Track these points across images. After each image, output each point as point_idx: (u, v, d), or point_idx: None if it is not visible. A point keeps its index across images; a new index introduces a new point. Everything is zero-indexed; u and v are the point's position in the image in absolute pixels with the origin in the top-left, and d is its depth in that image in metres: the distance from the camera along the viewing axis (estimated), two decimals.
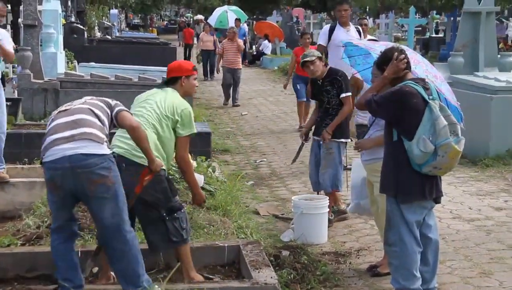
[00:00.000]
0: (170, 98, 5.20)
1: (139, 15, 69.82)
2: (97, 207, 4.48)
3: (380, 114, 5.02)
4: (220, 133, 13.09)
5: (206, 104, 17.09)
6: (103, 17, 33.35)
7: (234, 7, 27.76)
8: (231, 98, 16.90)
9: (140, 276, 4.54)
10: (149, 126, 5.05)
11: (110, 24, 33.93)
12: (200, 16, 50.33)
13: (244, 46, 23.90)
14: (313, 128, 7.49)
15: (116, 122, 4.74)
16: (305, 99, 12.60)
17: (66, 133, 4.49)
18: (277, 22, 32.29)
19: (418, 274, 4.84)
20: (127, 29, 55.00)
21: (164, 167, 5.05)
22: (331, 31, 9.03)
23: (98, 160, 4.41)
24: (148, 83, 12.72)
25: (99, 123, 4.61)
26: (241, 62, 17.61)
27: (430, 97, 4.75)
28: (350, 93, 7.21)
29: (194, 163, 7.57)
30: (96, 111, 4.67)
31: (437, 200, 4.95)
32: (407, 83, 4.80)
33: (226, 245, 5.59)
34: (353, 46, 6.14)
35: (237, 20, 24.75)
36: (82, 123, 4.54)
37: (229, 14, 27.05)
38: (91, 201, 4.49)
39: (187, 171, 5.37)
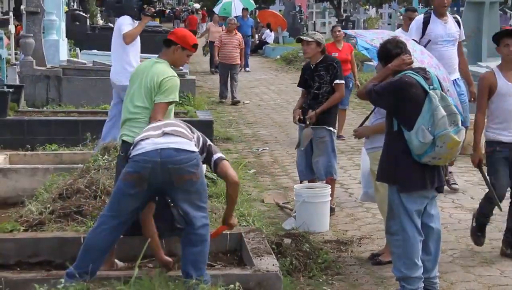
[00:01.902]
0: (152, 73, 5.19)
1: None
2: (181, 200, 4.55)
3: (380, 104, 5.05)
4: (223, 121, 13.10)
5: (209, 93, 17.08)
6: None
7: None
8: (229, 95, 15.53)
9: (205, 264, 4.62)
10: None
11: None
12: (197, 5, 50.24)
13: (251, 39, 23.08)
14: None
15: (214, 167, 4.80)
16: (347, 106, 11.36)
17: (157, 131, 4.60)
18: (280, 11, 32.20)
19: (420, 263, 4.86)
20: None
21: None
22: (426, 23, 7.54)
23: (189, 156, 4.49)
24: None
25: (188, 131, 4.72)
26: (239, 57, 15.66)
27: (431, 87, 4.76)
28: (343, 81, 7.22)
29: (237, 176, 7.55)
30: (186, 127, 4.78)
31: (439, 190, 4.96)
32: (407, 73, 4.81)
33: (228, 232, 5.59)
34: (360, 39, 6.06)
35: (245, 10, 22.80)
36: (172, 124, 4.72)
37: (235, 2, 25.05)
38: (175, 194, 4.57)
39: None
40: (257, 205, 7.45)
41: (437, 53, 6.94)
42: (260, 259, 5.04)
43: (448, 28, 7.50)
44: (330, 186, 6.98)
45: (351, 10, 36.78)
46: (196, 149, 4.59)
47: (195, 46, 5.35)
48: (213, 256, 5.45)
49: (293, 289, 5.14)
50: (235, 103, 15.22)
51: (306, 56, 7.24)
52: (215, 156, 4.77)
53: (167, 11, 56.36)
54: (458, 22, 7.68)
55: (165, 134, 4.56)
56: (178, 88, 5.26)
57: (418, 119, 4.68)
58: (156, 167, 4.43)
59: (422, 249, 4.90)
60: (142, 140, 4.57)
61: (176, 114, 10.61)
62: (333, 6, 36.96)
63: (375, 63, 6.33)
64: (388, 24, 30.33)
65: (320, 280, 5.38)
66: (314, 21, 33.31)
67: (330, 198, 6.92)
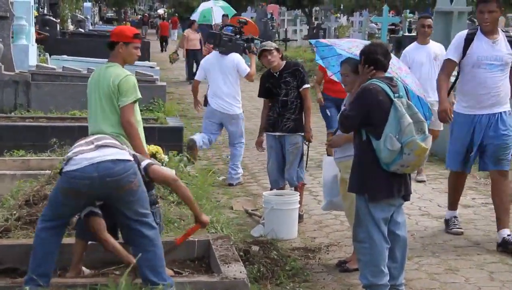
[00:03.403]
0: (107, 79, 5.20)
1: (113, 8, 69.38)
2: (123, 208, 4.54)
3: (354, 125, 4.93)
4: (193, 128, 13.06)
5: (179, 99, 17.03)
6: (76, 10, 33.10)
7: (222, 2, 24.88)
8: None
9: (164, 267, 4.61)
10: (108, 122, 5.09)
11: (83, 17, 33.69)
12: (161, 11, 50.13)
13: None
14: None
15: (146, 175, 4.74)
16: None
17: (90, 146, 4.57)
18: (251, 18, 32.25)
19: (386, 270, 4.90)
20: (100, 22, 54.62)
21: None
22: (469, 41, 6.21)
23: (126, 166, 4.49)
24: None
25: (118, 142, 4.73)
26: None
27: (396, 95, 4.81)
28: (309, 85, 7.29)
29: (165, 158, 7.58)
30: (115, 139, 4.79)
31: (406, 198, 5.01)
32: (372, 81, 4.86)
33: (196, 239, 5.59)
34: (324, 47, 6.11)
35: (225, 16, 21.47)
36: (103, 137, 4.70)
37: (215, 9, 24.11)
38: (116, 204, 4.56)
39: (131, 135, 5.32)
40: (226, 212, 7.45)
41: (479, 79, 6.18)
42: (228, 266, 5.04)
43: (498, 49, 6.15)
44: (298, 193, 7.02)
45: (322, 18, 37.00)
46: (131, 158, 4.59)
47: (136, 36, 5.35)
48: (180, 263, 5.45)
49: None
50: None
51: (272, 65, 7.24)
52: (143, 164, 4.76)
53: (139, 17, 56.15)
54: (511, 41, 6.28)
55: (98, 147, 4.54)
56: (137, 85, 5.29)
57: (385, 127, 4.73)
58: (94, 182, 4.42)
59: (388, 257, 4.94)
60: (75, 155, 4.52)
61: (146, 121, 10.63)
62: (304, 14, 37.20)
63: (329, 73, 6.39)
64: (359, 32, 30.55)
65: (288, 288, 5.40)
66: (286, 29, 33.44)
67: (298, 205, 6.95)
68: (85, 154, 4.48)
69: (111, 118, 5.25)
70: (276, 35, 30.53)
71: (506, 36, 6.26)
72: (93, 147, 4.55)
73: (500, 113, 6.25)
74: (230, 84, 8.99)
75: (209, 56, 9.45)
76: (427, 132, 4.83)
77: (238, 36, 9.20)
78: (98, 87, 5.25)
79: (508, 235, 6.13)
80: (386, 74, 5.16)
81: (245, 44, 9.09)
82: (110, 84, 5.16)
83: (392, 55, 5.81)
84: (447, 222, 6.79)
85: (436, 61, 8.53)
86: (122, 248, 4.79)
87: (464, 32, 6.36)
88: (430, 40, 8.83)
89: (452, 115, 6.35)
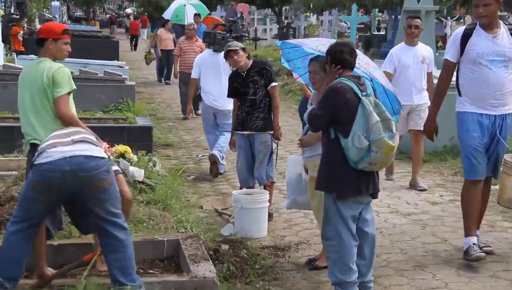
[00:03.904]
0: (40, 73, 5.15)
1: (82, 7, 68.84)
2: (94, 207, 4.50)
3: (323, 124, 4.93)
4: (163, 127, 13.05)
5: (149, 99, 16.97)
6: (44, 9, 32.79)
7: (195, 0, 23.63)
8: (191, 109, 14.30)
9: (134, 269, 4.58)
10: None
11: (51, 16, 33.38)
12: (129, 10, 49.86)
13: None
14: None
15: None
16: None
17: (66, 139, 4.52)
18: (221, 17, 32.25)
19: (355, 267, 4.92)
20: (69, 22, 54.14)
21: None
22: (466, 37, 5.76)
23: (99, 163, 4.45)
24: (90, 77, 12.61)
25: (95, 138, 4.70)
26: None
27: (364, 93, 4.83)
28: (277, 83, 7.32)
29: (134, 157, 7.54)
30: (93, 135, 4.76)
31: (374, 195, 5.04)
32: (340, 80, 4.88)
33: (165, 239, 5.59)
34: (289, 48, 6.12)
35: (197, 16, 20.48)
36: (81, 132, 4.67)
37: (187, 8, 22.90)
38: (87, 202, 4.51)
39: (71, 125, 5.17)
40: (196, 211, 7.45)
41: (481, 77, 5.70)
42: (197, 266, 5.04)
43: (499, 44, 5.69)
44: (268, 192, 7.04)
45: (292, 17, 37.10)
46: (105, 155, 4.57)
47: (65, 32, 5.31)
48: (150, 263, 5.44)
49: None
50: (199, 115, 13.79)
51: (239, 64, 7.25)
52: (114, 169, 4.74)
53: (108, 16, 55.81)
54: None
55: (74, 142, 4.51)
56: (71, 76, 5.25)
57: (353, 125, 4.75)
58: (65, 175, 4.37)
59: (357, 254, 4.96)
60: (48, 147, 4.48)
61: (115, 120, 10.59)
62: (274, 13, 37.25)
63: (295, 76, 6.39)
64: (329, 31, 30.72)
65: (257, 286, 5.40)
66: (256, 28, 33.46)
67: (268, 204, 6.96)
68: (58, 147, 4.44)
69: (43, 115, 5.18)
70: (247, 35, 30.50)
71: (510, 30, 5.78)
72: (69, 140, 4.51)
73: (505, 115, 5.82)
74: (223, 81, 8.96)
75: (203, 54, 9.86)
76: (394, 130, 4.86)
77: (228, 34, 9.75)
78: (30, 84, 5.18)
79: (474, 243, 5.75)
80: (355, 69, 5.20)
81: (236, 41, 9.34)
82: (43, 77, 5.10)
83: (358, 51, 5.86)
84: (466, 252, 5.79)
85: (423, 64, 8.31)
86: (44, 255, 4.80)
87: (462, 29, 5.92)
88: (419, 42, 8.49)
89: (435, 137, 6.08)
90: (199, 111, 13.66)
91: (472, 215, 5.82)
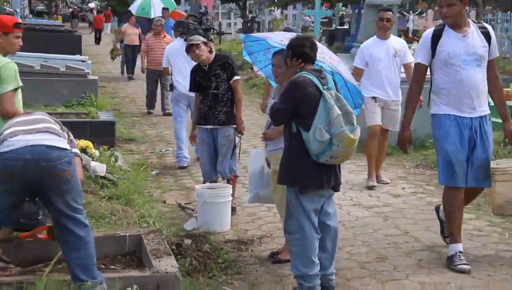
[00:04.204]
0: None
1: (44, 1, 67.97)
2: (55, 198, 4.42)
3: (285, 118, 4.92)
4: (126, 122, 12.98)
5: (112, 93, 16.85)
6: (5, 3, 32.30)
7: None
8: (159, 105, 14.06)
9: (95, 265, 4.52)
10: None
11: (12, 10, 32.87)
12: (92, 5, 49.41)
13: None
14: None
15: None
16: None
17: (28, 127, 4.43)
18: (185, 11, 32.11)
19: (317, 261, 4.94)
20: (30, 16, 53.43)
21: None
22: (436, 38, 5.57)
23: (61, 154, 4.38)
24: (51, 71, 12.46)
25: (59, 127, 4.62)
26: None
27: (325, 87, 4.85)
28: (239, 77, 7.33)
29: (96, 152, 7.48)
30: (56, 123, 4.66)
31: (335, 189, 5.06)
32: (301, 74, 4.89)
33: (127, 234, 5.53)
34: (252, 42, 6.11)
35: (165, 10, 19.95)
36: (44, 120, 4.56)
37: (154, 1, 22.35)
38: (48, 193, 4.43)
39: None
40: (159, 206, 7.41)
41: (454, 78, 5.53)
42: (159, 261, 5.00)
43: (469, 43, 5.52)
44: (231, 186, 7.04)
45: (257, 11, 37.10)
46: (68, 147, 4.52)
47: (17, 26, 5.22)
48: (112, 259, 5.38)
49: (193, 289, 5.13)
50: (167, 115, 13.33)
51: (201, 58, 7.23)
52: (72, 151, 4.65)
53: (70, 10, 55.22)
54: (487, 34, 5.64)
55: (37, 131, 4.45)
56: (18, 72, 5.14)
57: (315, 119, 4.76)
58: (27, 164, 4.31)
59: (319, 247, 4.98)
60: (10, 136, 4.42)
61: (77, 115, 10.50)
62: (238, 7, 37.22)
63: (256, 69, 6.39)
64: (293, 25, 30.75)
65: (220, 280, 5.39)
66: (220, 22, 33.40)
67: (231, 198, 6.97)
68: (20, 136, 4.38)
69: None
70: (214, 27, 30.40)
71: (479, 28, 5.64)
72: (31, 128, 4.45)
73: (481, 117, 5.58)
74: (185, 67, 9.13)
75: (172, 45, 10.11)
76: (355, 123, 4.88)
77: (198, 25, 10.14)
78: None
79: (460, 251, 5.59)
80: (321, 64, 5.22)
81: (205, 33, 9.72)
82: None
83: (322, 45, 5.88)
84: (451, 258, 5.63)
85: (396, 58, 8.11)
86: None
87: (431, 30, 5.73)
88: (391, 35, 8.29)
89: (410, 146, 5.80)
90: (168, 110, 13.68)
91: (455, 222, 5.64)
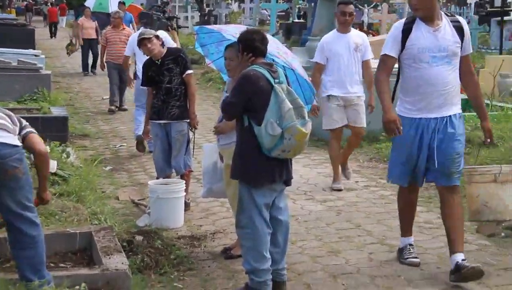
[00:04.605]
0: None
1: None
2: (5, 196, 4.36)
3: (237, 111, 4.91)
4: (80, 117, 12.84)
5: (67, 88, 16.64)
6: None
7: None
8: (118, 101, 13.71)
9: (44, 264, 4.46)
10: None
11: None
12: None
13: None
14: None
15: (22, 141, 4.53)
16: None
17: None
18: (141, 4, 31.87)
19: (268, 255, 4.94)
20: None
21: None
22: (407, 32, 5.24)
23: (11, 150, 4.31)
24: (2, 66, 12.26)
25: (9, 121, 4.50)
26: None
27: (276, 80, 4.85)
28: (192, 71, 7.29)
29: (47, 148, 7.36)
30: (7, 117, 4.54)
31: (287, 183, 5.07)
32: (253, 67, 4.88)
33: (77, 231, 5.48)
34: (205, 34, 6.08)
35: (121, 4, 19.44)
36: None
37: None
38: (0, 190, 4.35)
39: None
40: (112, 202, 7.35)
41: (422, 75, 5.20)
42: (109, 258, 4.97)
43: (441, 37, 5.18)
44: (184, 182, 7.00)
45: (213, 4, 36.94)
46: (19, 144, 4.45)
47: None
48: (62, 256, 5.33)
49: (144, 286, 5.10)
50: (122, 110, 13.55)
51: (153, 52, 7.16)
52: (25, 131, 4.58)
53: (25, 3, 54.34)
54: (460, 28, 5.28)
55: None
56: None
57: (266, 112, 4.77)
58: None
59: (270, 242, 4.98)
60: None
61: (29, 111, 10.33)
62: (195, 1, 37.01)
63: (208, 61, 6.36)
64: (250, 19, 30.74)
65: (172, 277, 5.37)
66: (177, 15, 33.18)
67: (185, 194, 6.93)
68: None
69: None
70: (178, 16, 30.18)
71: (452, 22, 5.26)
72: None
73: (450, 116, 5.24)
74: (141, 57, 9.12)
75: (135, 35, 9.94)
76: (306, 117, 4.90)
77: (162, 15, 10.71)
78: None
79: (463, 260, 5.18)
80: (275, 59, 5.21)
81: (168, 22, 10.29)
82: None
83: (275, 39, 5.87)
84: (401, 251, 5.66)
85: (357, 52, 7.79)
86: None
87: (402, 22, 5.35)
88: (351, 29, 7.98)
89: (401, 127, 5.21)
90: (125, 106, 13.64)
91: (405, 218, 5.64)
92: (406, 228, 5.67)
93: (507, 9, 22.79)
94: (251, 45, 4.98)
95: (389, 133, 5.27)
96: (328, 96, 7.80)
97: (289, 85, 5.03)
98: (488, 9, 25.02)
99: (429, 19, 5.19)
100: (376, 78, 5.41)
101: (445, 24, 5.21)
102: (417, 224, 6.40)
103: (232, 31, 5.67)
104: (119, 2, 19.59)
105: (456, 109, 5.28)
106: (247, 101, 4.81)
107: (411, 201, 5.61)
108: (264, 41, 5.04)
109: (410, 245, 5.65)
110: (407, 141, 5.28)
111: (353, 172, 8.56)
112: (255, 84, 4.80)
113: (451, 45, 5.19)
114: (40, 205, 4.90)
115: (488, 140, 5.40)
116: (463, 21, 5.38)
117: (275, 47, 5.41)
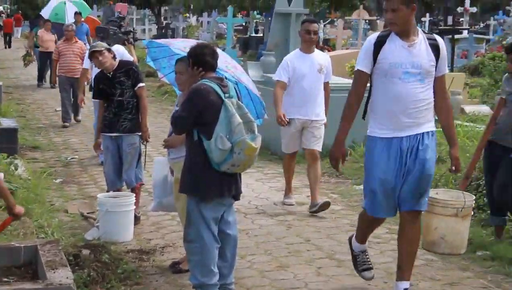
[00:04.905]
0: None
1: None
2: None
3: (188, 125, 4.89)
4: (31, 129, 12.66)
5: (19, 99, 16.41)
6: None
7: None
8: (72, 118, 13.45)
9: None
10: None
11: None
12: (0, 8, 48.25)
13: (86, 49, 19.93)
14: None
15: None
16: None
17: None
18: (98, 16, 31.67)
19: (216, 270, 4.93)
20: None
21: None
22: (379, 45, 4.96)
23: None
24: None
25: None
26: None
27: (227, 95, 4.85)
28: (144, 84, 7.25)
29: None
30: None
31: (236, 197, 5.07)
32: (203, 81, 4.88)
33: (22, 245, 5.37)
34: (155, 48, 6.06)
35: (78, 15, 18.98)
36: None
37: (68, 6, 20.87)
38: None
39: None
40: (60, 215, 7.25)
41: (393, 92, 4.92)
42: (54, 272, 4.86)
43: (415, 54, 4.91)
44: (135, 195, 6.94)
45: (171, 17, 36.96)
46: None
47: None
48: (6, 271, 5.22)
49: None
50: (77, 121, 13.45)
51: (105, 65, 7.10)
52: None
53: None
54: (436, 47, 4.99)
55: None
56: None
57: (216, 127, 4.76)
58: None
59: (218, 256, 4.97)
60: None
61: None
62: (153, 13, 36.97)
63: (160, 75, 6.35)
64: (208, 32, 30.79)
65: None
66: (134, 28, 33.06)
67: (134, 207, 6.87)
68: None
69: None
70: (134, 30, 30.06)
71: (428, 39, 5.00)
72: None
73: (422, 134, 4.96)
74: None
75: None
76: (256, 131, 4.91)
77: (118, 29, 10.76)
78: None
79: (406, 289, 5.09)
80: (223, 73, 5.21)
81: (125, 36, 10.30)
82: None
83: (225, 53, 5.87)
84: (355, 258, 5.48)
85: (320, 74, 7.55)
86: None
87: (375, 35, 5.07)
88: (315, 49, 7.72)
89: (343, 164, 5.13)
90: (79, 117, 13.44)
91: (365, 235, 5.41)
92: (363, 237, 5.46)
93: (458, 27, 23.28)
94: (201, 60, 4.98)
95: (333, 164, 5.09)
96: (289, 119, 7.54)
97: (239, 100, 5.03)
98: (441, 28, 25.46)
99: (405, 34, 4.92)
100: (346, 100, 5.09)
101: (421, 40, 4.96)
102: None
103: (181, 45, 5.66)
104: (76, 13, 19.34)
105: (429, 126, 5.00)
106: (197, 115, 4.79)
107: (374, 226, 5.41)
108: (215, 56, 5.04)
109: (363, 251, 5.46)
110: (382, 163, 4.93)
111: (304, 186, 8.56)
112: (205, 98, 4.79)
113: (425, 63, 4.93)
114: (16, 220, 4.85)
115: (454, 168, 5.14)
116: (440, 40, 5.08)
117: (224, 61, 5.41)
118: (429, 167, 4.95)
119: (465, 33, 24.99)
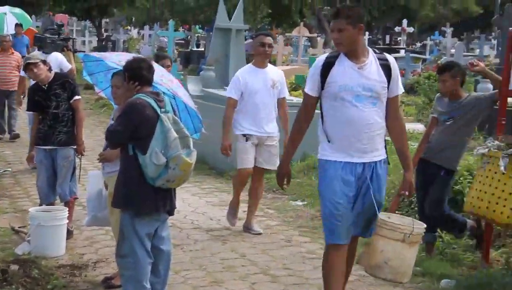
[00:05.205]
0: None
1: None
2: None
3: (121, 140, 4.84)
4: None
5: None
6: None
7: (18, 9, 21.50)
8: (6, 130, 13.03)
9: None
10: None
11: None
12: None
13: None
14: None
15: None
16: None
17: None
18: (37, 27, 31.17)
19: (149, 286, 4.89)
20: None
21: None
22: (328, 66, 4.74)
23: None
24: None
25: None
26: (17, 81, 11.73)
27: (163, 110, 4.83)
28: (80, 97, 7.16)
29: None
30: None
31: (170, 213, 5.04)
32: (139, 95, 4.85)
33: None
34: (92, 62, 5.99)
35: (18, 26, 18.71)
36: None
37: (8, 17, 20.35)
38: None
39: None
40: None
41: (344, 116, 4.70)
42: None
43: (365, 76, 4.68)
44: (67, 209, 6.83)
45: (112, 29, 36.67)
46: None
47: None
48: None
49: None
50: (14, 137, 12.82)
51: (40, 78, 6.99)
52: None
53: None
54: (387, 67, 4.76)
55: None
56: None
57: (152, 142, 4.73)
58: None
59: (151, 271, 4.94)
60: None
61: None
62: (94, 25, 36.61)
63: (97, 90, 6.28)
64: (149, 45, 30.61)
65: None
66: (74, 39, 32.65)
67: (67, 221, 6.75)
68: None
69: None
70: (73, 37, 29.65)
71: (379, 59, 4.76)
72: None
73: (376, 163, 4.78)
74: None
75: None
76: (192, 146, 4.90)
77: (57, 36, 11.09)
78: None
79: None
80: (159, 86, 5.18)
81: (65, 43, 10.62)
82: None
83: (161, 67, 5.84)
84: None
85: (274, 89, 7.25)
86: None
87: (323, 57, 4.84)
88: (268, 64, 7.41)
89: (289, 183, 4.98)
90: (15, 132, 13.03)
91: (334, 287, 4.79)
92: None
93: (394, 46, 23.72)
94: (137, 74, 4.95)
95: (279, 182, 4.95)
96: (246, 135, 7.27)
97: (176, 114, 5.02)
98: (379, 46, 25.94)
99: (353, 54, 4.68)
100: (295, 121, 4.90)
101: (371, 61, 4.71)
102: (300, 254, 6.50)
103: (116, 59, 5.62)
104: (16, 25, 18.91)
105: (381, 154, 4.81)
106: (133, 130, 4.76)
107: (339, 263, 4.81)
108: (151, 70, 5.02)
109: None
110: (338, 186, 4.69)
111: (241, 201, 8.51)
112: (141, 113, 4.76)
113: (376, 85, 4.68)
114: None
115: (407, 193, 4.93)
116: (391, 59, 4.84)
117: (160, 74, 5.38)
118: (381, 196, 4.82)
119: (402, 52, 25.52)
